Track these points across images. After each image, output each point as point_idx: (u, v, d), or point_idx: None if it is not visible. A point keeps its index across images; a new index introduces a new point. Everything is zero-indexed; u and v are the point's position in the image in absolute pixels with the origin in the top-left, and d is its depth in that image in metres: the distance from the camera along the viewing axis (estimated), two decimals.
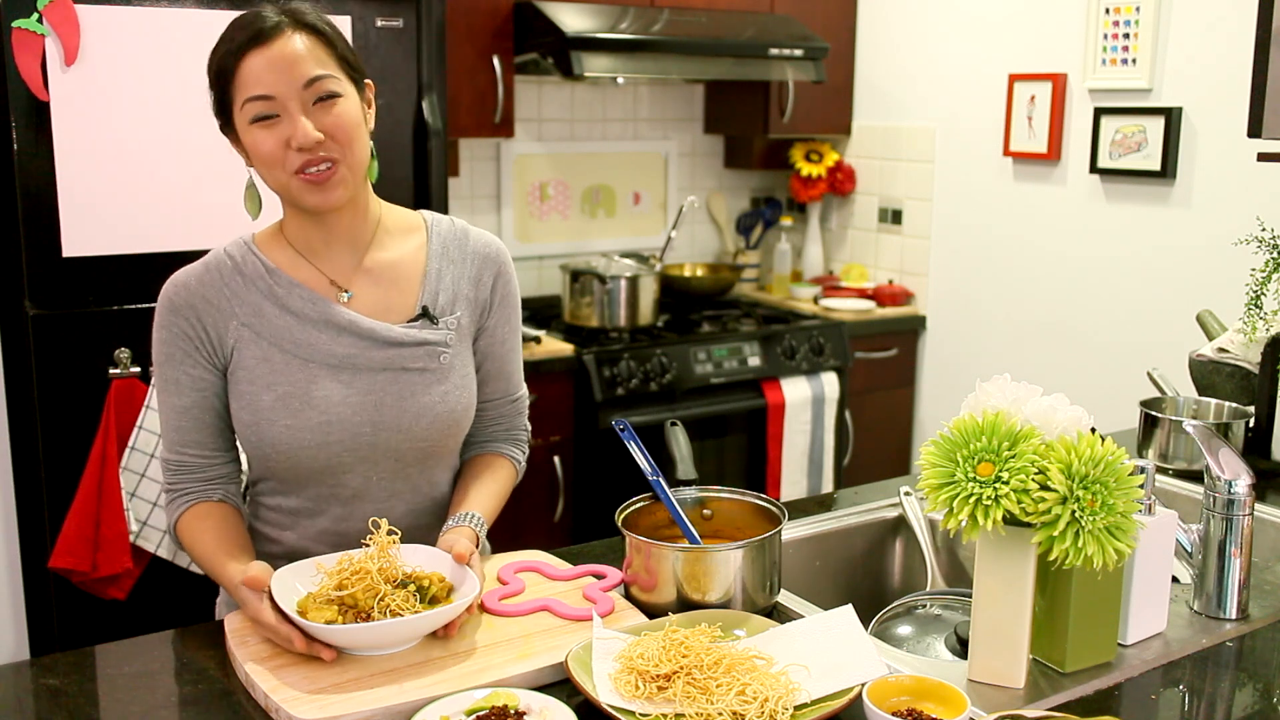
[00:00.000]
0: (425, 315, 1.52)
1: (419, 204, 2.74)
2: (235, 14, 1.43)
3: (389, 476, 1.53)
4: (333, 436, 1.47)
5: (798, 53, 3.49)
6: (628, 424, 1.57)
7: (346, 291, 1.51)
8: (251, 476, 1.59)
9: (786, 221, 4.09)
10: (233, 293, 1.47)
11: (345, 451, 1.48)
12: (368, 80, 1.49)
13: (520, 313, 1.66)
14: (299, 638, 1.28)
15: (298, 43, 1.39)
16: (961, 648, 1.43)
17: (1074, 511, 1.18)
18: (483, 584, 1.40)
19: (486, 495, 1.58)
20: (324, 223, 1.49)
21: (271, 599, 1.31)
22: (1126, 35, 3.09)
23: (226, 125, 1.45)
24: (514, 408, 1.68)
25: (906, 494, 1.85)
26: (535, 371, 3.08)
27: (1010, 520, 1.21)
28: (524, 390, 1.70)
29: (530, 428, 1.73)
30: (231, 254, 1.50)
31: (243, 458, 1.58)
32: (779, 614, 1.47)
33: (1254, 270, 2.04)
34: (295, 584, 1.36)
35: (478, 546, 1.47)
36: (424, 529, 1.56)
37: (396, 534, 1.38)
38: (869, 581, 1.85)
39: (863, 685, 1.18)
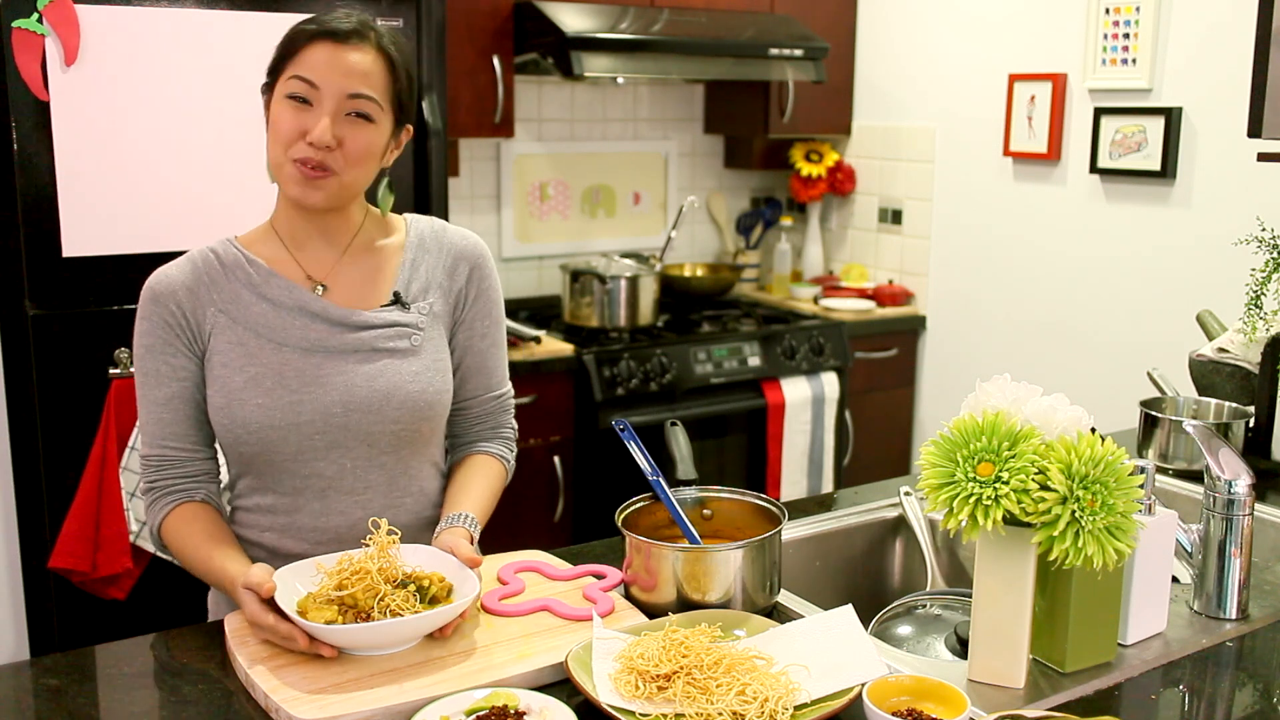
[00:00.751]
0: (397, 300, 1.56)
1: (419, 204, 2.74)
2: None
3: (363, 464, 1.54)
4: (304, 416, 1.49)
5: (798, 53, 3.49)
6: (628, 424, 1.57)
7: (322, 285, 1.55)
8: (228, 479, 1.60)
9: (786, 221, 4.09)
10: (212, 281, 1.52)
11: (317, 434, 1.50)
12: (409, 125, 1.55)
13: (502, 309, 1.68)
14: (301, 635, 1.28)
15: (366, 56, 1.46)
16: (961, 648, 1.43)
17: (1074, 511, 1.18)
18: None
19: (478, 496, 1.59)
20: (310, 216, 1.54)
21: (271, 599, 1.31)
22: (1126, 35, 3.09)
23: (268, 88, 1.50)
24: (498, 404, 1.69)
25: (906, 494, 1.85)
26: (535, 371, 3.08)
27: (1010, 520, 1.21)
28: (508, 388, 1.71)
29: (517, 427, 1.73)
30: (214, 249, 1.55)
31: (221, 464, 1.59)
32: (779, 614, 1.47)
33: (1254, 270, 2.04)
34: (295, 584, 1.37)
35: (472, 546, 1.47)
36: (404, 525, 1.55)
37: (396, 534, 1.38)
38: (869, 581, 1.85)
39: (863, 685, 1.18)
